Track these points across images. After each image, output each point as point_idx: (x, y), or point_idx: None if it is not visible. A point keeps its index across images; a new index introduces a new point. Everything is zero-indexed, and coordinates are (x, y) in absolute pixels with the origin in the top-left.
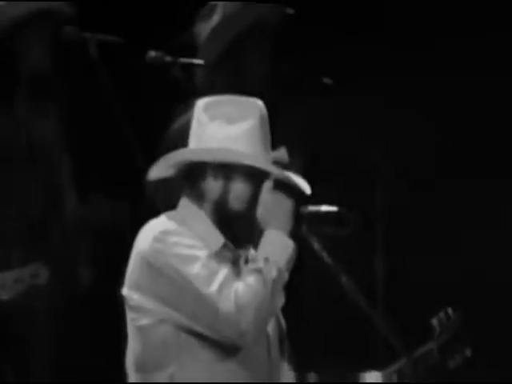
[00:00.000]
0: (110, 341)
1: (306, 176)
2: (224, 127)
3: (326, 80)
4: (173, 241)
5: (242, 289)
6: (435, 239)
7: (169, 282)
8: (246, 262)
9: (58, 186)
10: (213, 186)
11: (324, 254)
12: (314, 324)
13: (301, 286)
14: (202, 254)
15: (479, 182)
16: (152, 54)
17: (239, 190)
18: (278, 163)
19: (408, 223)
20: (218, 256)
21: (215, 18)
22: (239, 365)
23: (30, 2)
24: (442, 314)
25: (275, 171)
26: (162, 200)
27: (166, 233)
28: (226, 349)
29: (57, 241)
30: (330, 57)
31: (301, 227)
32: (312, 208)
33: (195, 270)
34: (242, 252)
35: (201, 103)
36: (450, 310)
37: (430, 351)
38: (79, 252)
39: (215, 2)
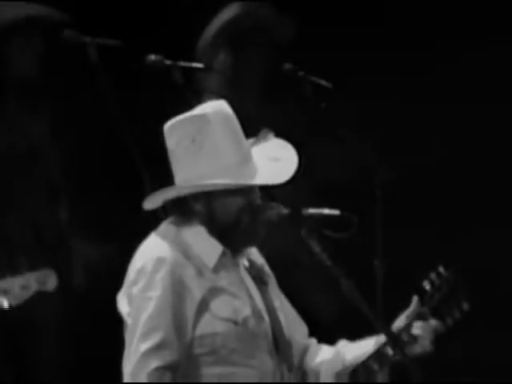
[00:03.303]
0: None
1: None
2: (189, 150)
3: (324, 82)
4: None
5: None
6: (434, 239)
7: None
8: (246, 269)
9: (51, 188)
10: (196, 207)
11: (324, 257)
12: (313, 324)
13: (300, 287)
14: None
15: (479, 182)
16: (152, 57)
17: (222, 205)
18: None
19: (407, 224)
20: (219, 265)
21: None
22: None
23: (18, 8)
24: (432, 275)
25: (245, 182)
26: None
27: (144, 272)
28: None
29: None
30: (330, 58)
31: (302, 229)
32: (313, 210)
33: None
34: (240, 259)
35: (165, 129)
36: (441, 269)
37: (422, 315)
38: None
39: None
